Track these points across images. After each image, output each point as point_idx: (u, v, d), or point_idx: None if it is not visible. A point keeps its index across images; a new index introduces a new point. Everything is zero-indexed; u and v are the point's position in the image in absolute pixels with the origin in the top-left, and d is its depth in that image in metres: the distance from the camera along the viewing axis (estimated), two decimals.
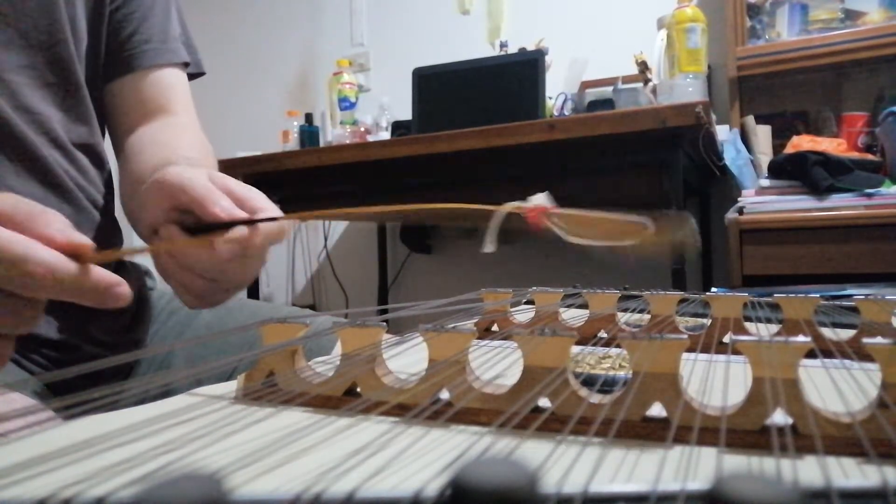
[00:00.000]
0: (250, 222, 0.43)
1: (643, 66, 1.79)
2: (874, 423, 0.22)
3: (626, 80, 1.89)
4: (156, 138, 0.65)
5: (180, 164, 0.52)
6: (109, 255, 0.40)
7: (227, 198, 0.44)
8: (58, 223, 0.36)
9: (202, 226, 0.44)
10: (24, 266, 0.33)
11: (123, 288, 0.37)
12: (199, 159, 0.58)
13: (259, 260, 0.47)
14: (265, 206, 0.46)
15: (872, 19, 1.71)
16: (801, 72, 1.76)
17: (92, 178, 0.64)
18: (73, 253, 0.35)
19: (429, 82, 1.87)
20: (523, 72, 1.76)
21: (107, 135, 0.71)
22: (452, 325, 0.29)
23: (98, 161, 0.66)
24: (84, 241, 0.36)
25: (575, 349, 0.40)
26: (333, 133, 2.24)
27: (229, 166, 1.74)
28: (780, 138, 1.75)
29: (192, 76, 0.76)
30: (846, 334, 0.41)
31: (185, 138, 0.66)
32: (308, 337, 0.32)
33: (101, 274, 0.36)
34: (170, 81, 0.70)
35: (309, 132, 2.27)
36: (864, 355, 0.28)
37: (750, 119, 1.73)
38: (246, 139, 2.46)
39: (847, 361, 0.34)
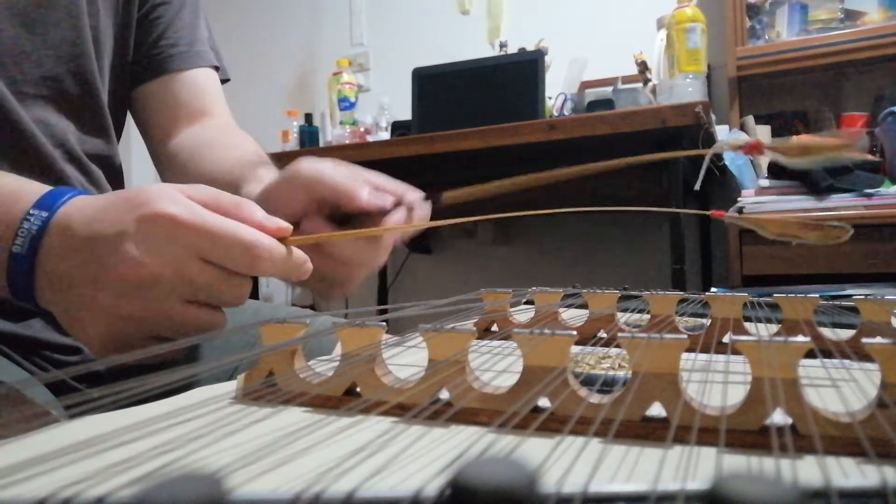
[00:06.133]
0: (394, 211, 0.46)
1: (643, 66, 1.79)
2: (874, 422, 0.22)
3: (626, 80, 1.89)
4: (218, 139, 0.66)
5: (270, 165, 0.57)
6: (306, 239, 0.44)
7: (368, 185, 0.46)
8: (260, 211, 0.41)
9: (343, 216, 0.46)
10: (254, 250, 0.38)
11: (309, 264, 0.42)
12: (269, 164, 0.61)
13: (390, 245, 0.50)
14: (404, 188, 0.48)
15: (872, 19, 1.71)
16: (801, 72, 1.76)
17: (105, 190, 0.64)
18: (279, 235, 0.40)
19: (429, 82, 1.87)
20: (523, 72, 1.76)
21: (119, 145, 0.70)
22: (452, 326, 0.29)
23: (112, 172, 0.66)
24: (285, 225, 0.41)
25: (574, 349, 0.40)
26: (333, 133, 2.24)
27: None
28: (779, 138, 1.75)
29: None
30: (846, 334, 0.41)
31: (245, 140, 0.67)
32: (308, 337, 0.32)
33: (298, 253, 0.42)
34: (204, 83, 0.71)
35: (308, 132, 2.27)
36: (863, 355, 0.28)
37: (749, 119, 1.73)
38: None
39: (847, 361, 0.34)
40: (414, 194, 0.48)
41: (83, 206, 0.40)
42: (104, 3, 0.62)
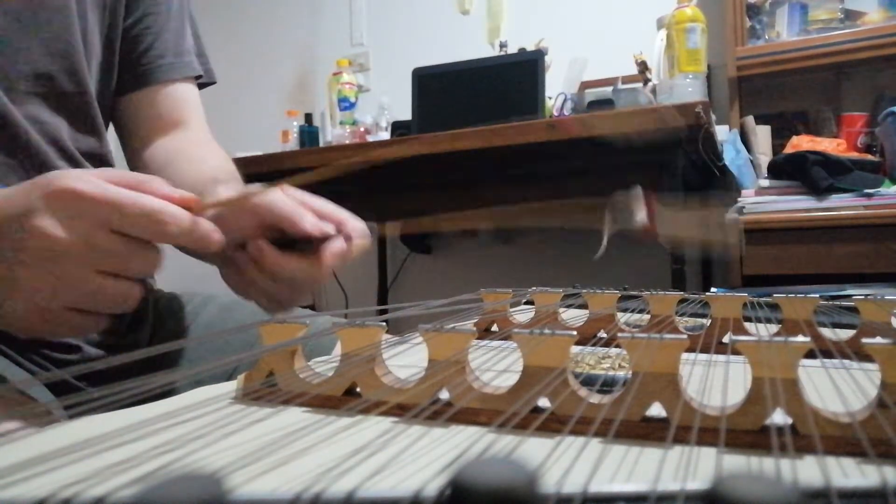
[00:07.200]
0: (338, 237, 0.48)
1: (643, 66, 1.79)
2: (874, 423, 0.22)
3: (626, 80, 1.89)
4: (187, 153, 0.67)
5: (230, 182, 0.59)
6: (212, 204, 0.46)
7: (311, 213, 0.48)
8: (166, 185, 0.43)
9: (287, 240, 0.48)
10: (159, 216, 0.40)
11: (218, 234, 0.44)
12: (236, 177, 0.63)
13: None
14: (346, 217, 0.50)
15: (872, 19, 1.71)
16: (801, 72, 1.76)
17: None
18: (186, 206, 0.42)
19: (429, 82, 1.87)
20: (523, 72, 1.76)
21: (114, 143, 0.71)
22: (452, 325, 0.29)
23: None
24: (189, 196, 0.43)
25: (574, 349, 0.41)
26: (333, 133, 2.24)
27: None
28: (779, 138, 1.75)
29: (203, 85, 0.77)
30: (846, 334, 0.41)
31: (213, 153, 0.69)
32: (308, 337, 0.32)
33: (205, 223, 0.43)
34: (184, 95, 0.72)
35: (309, 132, 2.27)
36: (863, 355, 0.28)
37: (749, 119, 1.73)
38: (246, 139, 2.45)
39: (846, 361, 0.34)
40: (356, 222, 0.50)
41: None
42: (91, 4, 0.63)
